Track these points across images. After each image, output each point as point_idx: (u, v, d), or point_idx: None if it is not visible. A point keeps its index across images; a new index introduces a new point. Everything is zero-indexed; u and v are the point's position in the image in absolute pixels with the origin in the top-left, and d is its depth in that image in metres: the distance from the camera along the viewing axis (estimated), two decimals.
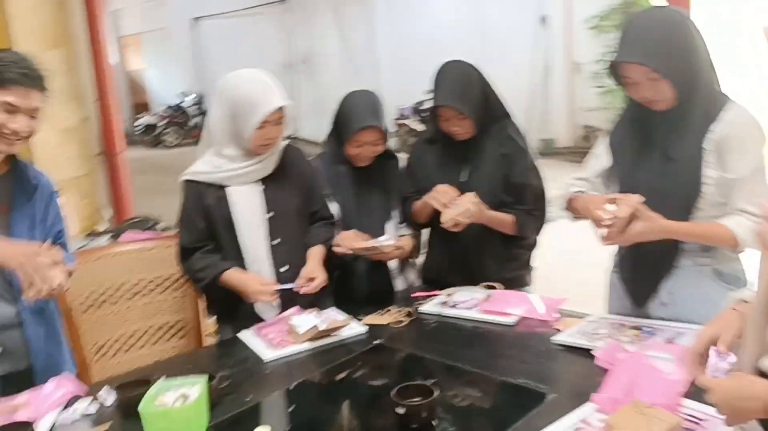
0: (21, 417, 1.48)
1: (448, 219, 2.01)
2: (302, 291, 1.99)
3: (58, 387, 1.61)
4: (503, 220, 2.11)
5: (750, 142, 1.67)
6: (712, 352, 1.27)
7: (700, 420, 1.29)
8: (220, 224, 2.02)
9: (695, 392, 1.38)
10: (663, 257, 1.78)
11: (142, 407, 1.38)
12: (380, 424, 1.50)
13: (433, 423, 1.41)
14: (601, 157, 1.92)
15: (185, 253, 2.05)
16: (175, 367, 1.77)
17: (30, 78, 1.65)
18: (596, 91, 9.30)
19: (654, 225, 1.66)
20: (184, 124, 15.57)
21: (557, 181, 2.19)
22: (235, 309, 2.06)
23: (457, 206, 2.01)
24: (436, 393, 1.40)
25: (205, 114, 16.33)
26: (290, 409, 1.65)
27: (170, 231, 3.35)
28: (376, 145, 2.18)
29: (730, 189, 1.69)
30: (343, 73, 13.08)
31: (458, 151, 2.19)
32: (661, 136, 1.75)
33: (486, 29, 11.18)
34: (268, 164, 2.05)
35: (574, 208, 1.88)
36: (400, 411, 1.39)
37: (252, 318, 2.04)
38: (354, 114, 2.15)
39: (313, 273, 2.01)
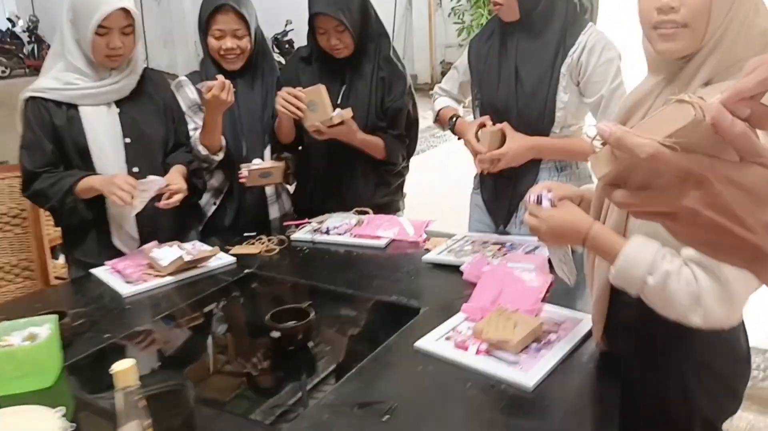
0: None
1: (310, 124, 1.93)
2: (162, 203, 1.80)
3: None
4: (374, 144, 2.08)
5: (605, 66, 1.75)
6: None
7: (560, 323, 1.38)
8: (71, 148, 1.81)
9: (553, 296, 1.48)
10: (520, 177, 1.86)
11: None
12: (256, 351, 1.47)
13: (309, 344, 1.40)
14: (459, 69, 2.04)
15: (31, 178, 1.81)
16: (21, 308, 1.60)
17: None
18: (455, 27, 9.48)
19: (523, 143, 1.74)
20: (16, 52, 13.88)
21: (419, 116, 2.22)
22: (88, 242, 1.89)
23: (316, 111, 1.91)
24: (311, 315, 1.38)
25: (41, 40, 14.49)
26: (154, 344, 1.56)
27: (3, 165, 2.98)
28: (237, 34, 1.99)
29: (586, 111, 1.82)
30: (196, 1, 12.22)
31: (335, 70, 2.09)
32: (513, 54, 1.81)
33: None
34: (124, 85, 1.86)
35: (453, 130, 1.96)
36: (275, 334, 1.36)
37: (108, 253, 1.88)
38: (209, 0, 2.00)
39: (172, 181, 1.82)
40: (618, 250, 1.08)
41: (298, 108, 1.92)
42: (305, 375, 1.36)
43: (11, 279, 2.13)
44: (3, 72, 13.38)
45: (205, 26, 2.00)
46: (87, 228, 1.88)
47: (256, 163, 2.02)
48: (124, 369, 0.98)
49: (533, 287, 1.49)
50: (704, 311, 0.98)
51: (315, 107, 1.93)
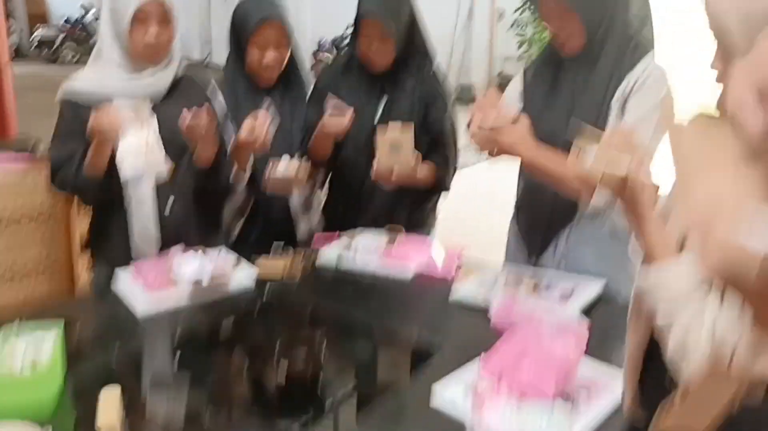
0: None
1: (384, 168, 1.81)
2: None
3: None
4: (429, 178, 2.00)
5: (647, 96, 1.57)
6: None
7: (590, 382, 1.25)
8: None
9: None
10: (560, 210, 1.73)
11: None
12: (260, 382, 1.39)
13: (314, 381, 1.31)
14: (511, 99, 1.84)
15: (56, 168, 1.78)
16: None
17: None
18: (516, 39, 9.29)
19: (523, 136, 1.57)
20: (85, 40, 14.35)
21: None
22: (113, 244, 1.87)
23: (398, 154, 1.79)
24: (318, 350, 1.30)
25: None
26: (160, 369, 1.52)
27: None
28: (280, 46, 1.95)
29: None
30: None
31: (374, 83, 2.02)
32: (568, 86, 1.68)
33: None
34: (159, 80, 1.82)
35: None
36: (279, 369, 1.28)
37: (130, 256, 1.84)
38: (252, 9, 1.93)
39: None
40: (657, 254, 0.94)
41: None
42: (306, 413, 1.27)
43: (38, 274, 2.12)
44: (73, 57, 13.83)
45: (246, 38, 1.93)
46: (113, 226, 1.85)
47: (281, 170, 1.93)
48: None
49: (562, 358, 1.29)
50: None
51: (398, 148, 1.79)
